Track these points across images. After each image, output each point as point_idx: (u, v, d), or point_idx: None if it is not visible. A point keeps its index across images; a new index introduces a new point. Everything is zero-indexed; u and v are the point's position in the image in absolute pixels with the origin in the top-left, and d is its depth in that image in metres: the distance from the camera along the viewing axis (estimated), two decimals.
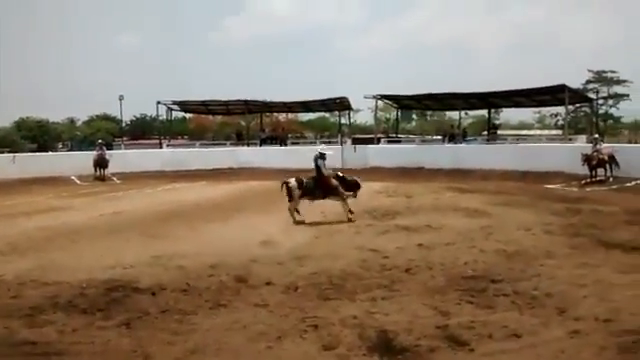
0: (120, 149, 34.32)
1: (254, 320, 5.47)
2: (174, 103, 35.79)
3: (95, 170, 25.71)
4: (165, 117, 37.57)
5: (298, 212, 11.91)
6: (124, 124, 58.81)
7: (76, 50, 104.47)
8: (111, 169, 25.94)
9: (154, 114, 40.62)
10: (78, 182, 24.39)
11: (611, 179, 18.79)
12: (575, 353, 4.56)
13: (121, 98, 37.16)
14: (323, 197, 12.24)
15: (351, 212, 11.83)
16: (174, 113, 40.38)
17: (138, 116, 70.39)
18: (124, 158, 28.63)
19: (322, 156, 12.60)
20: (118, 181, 24.69)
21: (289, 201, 12.06)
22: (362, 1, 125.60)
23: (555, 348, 4.67)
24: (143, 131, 65.22)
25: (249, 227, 10.93)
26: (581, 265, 7.41)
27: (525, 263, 7.59)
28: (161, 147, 34.32)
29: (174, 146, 36.28)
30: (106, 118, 66.45)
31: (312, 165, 12.39)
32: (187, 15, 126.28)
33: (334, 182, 12.20)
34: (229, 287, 6.66)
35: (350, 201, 12.07)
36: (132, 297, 6.32)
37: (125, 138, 51.82)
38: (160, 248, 8.93)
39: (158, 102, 34.32)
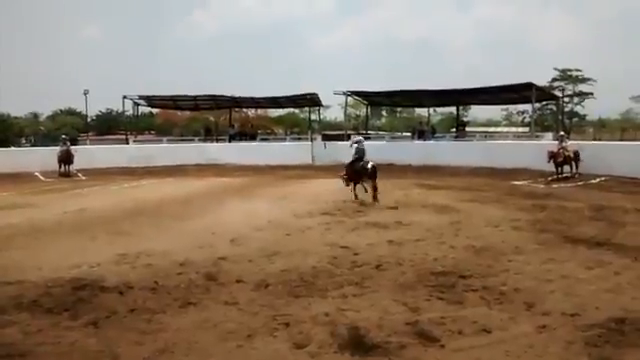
0: (85, 144, 33.67)
1: (224, 318, 5.41)
2: (140, 98, 35.24)
3: (59, 166, 25.12)
4: (132, 112, 37.01)
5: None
6: (89, 119, 57.88)
7: (39, 43, 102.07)
8: (76, 165, 25.40)
9: (120, 109, 40.02)
10: (42, 178, 23.82)
11: (576, 176, 19.18)
12: (543, 348, 4.63)
13: (86, 93, 36.62)
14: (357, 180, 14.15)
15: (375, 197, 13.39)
16: (141, 108, 39.79)
17: (104, 111, 69.41)
18: (89, 154, 28.10)
19: (361, 142, 14.62)
20: (83, 177, 24.18)
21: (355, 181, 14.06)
22: None
23: (524, 343, 4.73)
24: (109, 126, 64.32)
25: (218, 224, 10.80)
26: (548, 260, 7.53)
27: (493, 259, 7.68)
28: (127, 143, 33.80)
29: (141, 142, 35.74)
30: (71, 113, 65.38)
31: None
32: (153, 8, 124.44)
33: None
34: (198, 285, 6.58)
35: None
36: (99, 296, 6.19)
37: (90, 133, 51.11)
38: (127, 246, 8.76)
39: (124, 97, 33.76)
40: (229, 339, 4.93)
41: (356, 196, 14.03)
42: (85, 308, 5.76)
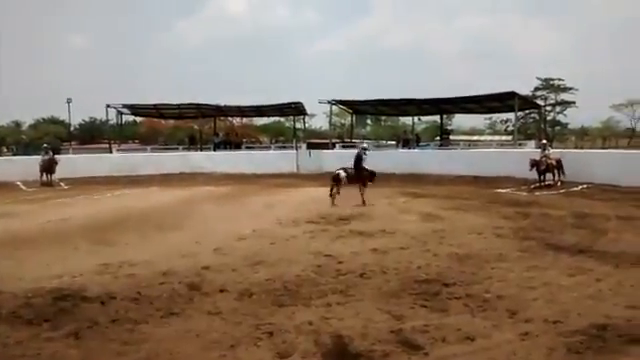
0: (68, 154, 33.36)
1: (207, 328, 5.38)
2: (124, 106, 35.01)
3: (41, 175, 24.82)
4: (115, 121, 36.76)
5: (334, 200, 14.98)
6: (72, 128, 57.42)
7: (21, 51, 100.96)
8: (59, 174, 25.10)
9: (104, 118, 39.75)
10: (23, 188, 23.53)
11: (559, 184, 19.35)
12: (526, 355, 4.66)
13: (69, 101, 36.35)
14: (356, 183, 15.46)
15: (365, 203, 14.79)
16: (125, 117, 39.54)
17: (87, 120, 68.94)
18: (72, 163, 27.77)
19: (365, 151, 16.20)
20: (66, 187, 23.90)
21: (336, 186, 15.22)
22: (317, 5, 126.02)
23: (507, 350, 4.76)
24: (92, 135, 63.87)
25: (202, 233, 10.74)
26: (531, 268, 7.59)
27: (477, 266, 7.72)
28: (111, 152, 33.53)
29: (124, 151, 35.48)
30: (53, 122, 64.87)
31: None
32: (138, 16, 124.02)
33: (366, 174, 15.60)
34: (181, 295, 6.54)
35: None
36: (81, 307, 6.13)
37: (73, 142, 50.64)
38: (110, 256, 8.68)
39: (108, 105, 33.54)
40: (212, 349, 4.90)
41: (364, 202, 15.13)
42: (66, 319, 5.69)
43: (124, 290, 6.74)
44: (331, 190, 15.38)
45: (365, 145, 17.53)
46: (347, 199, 15.11)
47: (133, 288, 6.82)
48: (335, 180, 15.47)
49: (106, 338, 5.19)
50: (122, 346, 5.00)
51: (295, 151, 31.13)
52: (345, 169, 15.74)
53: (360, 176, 15.62)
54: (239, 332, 5.26)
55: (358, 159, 15.91)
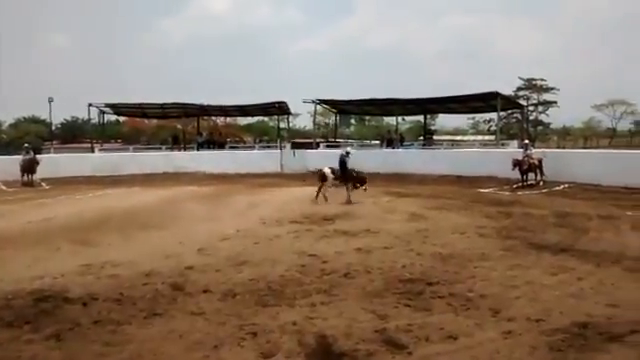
0: (50, 153, 32.98)
1: (191, 329, 5.35)
2: (107, 106, 34.68)
3: (22, 175, 24.51)
4: (97, 120, 36.41)
5: (325, 197, 15.51)
6: (54, 127, 56.75)
7: (1, 50, 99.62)
8: (40, 174, 24.75)
9: (86, 117, 39.32)
10: (3, 188, 23.20)
11: (541, 183, 19.53)
12: (509, 353, 4.70)
13: (51, 100, 35.86)
14: (344, 185, 15.95)
15: (350, 202, 15.34)
16: (107, 116, 39.20)
17: (69, 119, 68.20)
18: (54, 163, 27.46)
19: (348, 154, 16.60)
20: (47, 187, 23.62)
21: (321, 184, 15.70)
22: (300, 4, 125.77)
23: (490, 349, 4.79)
24: (74, 135, 63.11)
25: (186, 233, 10.69)
26: (513, 267, 7.66)
27: (460, 265, 7.78)
28: (93, 151, 33.20)
29: (107, 150, 35.14)
30: (34, 121, 63.95)
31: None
32: (121, 15, 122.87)
33: (353, 175, 16.07)
34: (165, 295, 6.50)
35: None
36: (62, 308, 6.08)
37: (55, 142, 50.04)
38: (92, 256, 8.61)
39: (90, 104, 33.21)
40: (196, 350, 4.87)
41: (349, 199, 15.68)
42: (47, 320, 5.64)
43: (106, 291, 6.69)
44: (319, 190, 15.79)
45: (349, 149, 17.77)
46: (332, 196, 15.17)
47: (116, 289, 6.78)
48: (322, 179, 15.84)
49: (88, 339, 5.15)
50: (104, 347, 4.96)
51: (279, 151, 31.08)
52: (332, 168, 16.12)
53: (347, 178, 16.05)
54: (223, 332, 5.24)
55: (342, 163, 16.27)
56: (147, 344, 5.01)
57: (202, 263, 8.14)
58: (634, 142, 67.73)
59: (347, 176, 16.07)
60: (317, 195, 15.72)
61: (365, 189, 15.96)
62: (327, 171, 15.96)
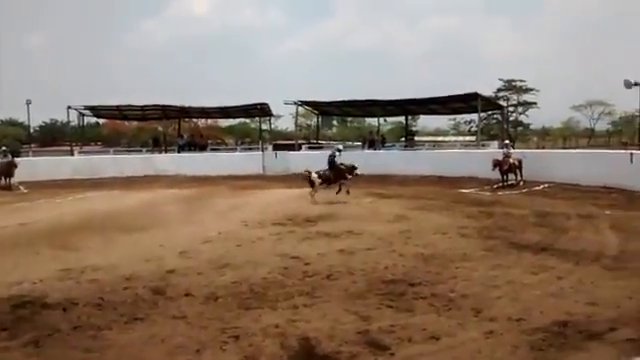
0: (28, 156, 32.54)
1: (172, 333, 5.31)
2: (86, 108, 34.29)
3: (0, 179, 24.20)
4: (77, 123, 36.02)
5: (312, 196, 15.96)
6: (32, 130, 56.07)
7: None
8: (18, 178, 24.37)
9: (65, 119, 38.90)
10: None
11: (521, 183, 19.72)
12: (490, 353, 4.72)
13: (28, 102, 35.33)
14: (335, 182, 16.56)
15: (348, 192, 16.44)
16: (87, 118, 38.77)
17: (48, 121, 67.46)
18: (32, 166, 27.12)
19: (339, 152, 17.40)
20: (25, 190, 23.27)
21: (311, 188, 16.07)
22: (282, 5, 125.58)
23: (472, 349, 4.82)
24: (53, 137, 62.45)
25: (167, 237, 10.60)
26: (494, 267, 7.71)
27: (442, 266, 7.81)
28: (72, 154, 32.81)
29: (86, 153, 34.76)
30: (12, 124, 63.11)
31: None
32: (101, 16, 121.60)
33: (344, 170, 16.70)
34: (146, 300, 6.44)
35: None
36: (41, 314, 5.99)
37: (33, 145, 49.43)
38: (71, 261, 8.51)
39: (69, 107, 32.84)
40: (177, 354, 4.84)
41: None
42: (25, 327, 5.55)
43: (87, 296, 6.62)
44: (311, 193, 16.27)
45: (340, 147, 18.84)
46: (319, 195, 15.25)
47: (96, 293, 6.71)
48: (310, 184, 16.31)
49: (67, 345, 5.08)
50: (84, 353, 4.90)
51: (261, 152, 30.99)
52: (318, 172, 16.57)
53: (338, 174, 16.75)
54: (205, 336, 5.20)
55: (331, 161, 16.93)
56: (128, 349, 4.97)
57: (183, 266, 8.08)
58: (612, 142, 68.78)
59: (336, 174, 16.66)
60: (312, 195, 16.12)
61: (356, 175, 16.92)
62: (314, 176, 16.31)
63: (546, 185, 18.80)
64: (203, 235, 10.62)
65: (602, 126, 75.29)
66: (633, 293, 6.26)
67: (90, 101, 34.30)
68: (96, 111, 36.42)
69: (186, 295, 6.59)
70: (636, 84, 23.01)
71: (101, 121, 55.06)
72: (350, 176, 16.93)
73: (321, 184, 16.28)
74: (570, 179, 18.54)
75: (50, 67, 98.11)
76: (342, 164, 17.06)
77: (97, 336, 5.30)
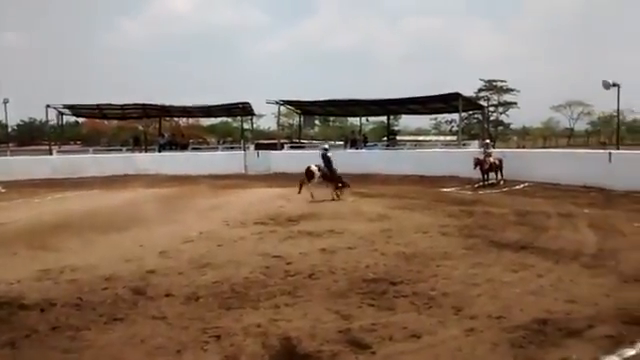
0: (5, 155, 32.09)
1: (152, 333, 5.25)
2: (65, 107, 33.95)
3: None
4: (56, 122, 35.58)
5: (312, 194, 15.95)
6: (10, 129, 55.29)
7: None
8: None
9: (44, 118, 38.40)
10: None
11: (502, 182, 19.88)
12: (471, 350, 4.75)
13: (6, 101, 34.83)
14: (331, 181, 16.47)
15: (338, 196, 16.24)
16: (66, 117, 38.36)
17: (26, 120, 66.63)
18: (10, 165, 26.79)
19: (327, 152, 17.25)
20: (3, 190, 22.91)
21: (308, 181, 15.97)
22: (263, 5, 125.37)
23: (452, 346, 4.84)
24: (32, 137, 61.71)
25: (147, 236, 10.51)
26: (475, 265, 7.75)
27: (423, 264, 7.83)
28: (51, 153, 32.40)
29: (66, 152, 34.34)
30: None
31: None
32: (79, 15, 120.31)
33: (339, 177, 16.73)
34: (125, 300, 6.38)
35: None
36: (18, 315, 5.91)
37: (11, 144, 48.74)
38: (50, 261, 8.39)
39: (48, 105, 32.47)
40: (157, 355, 4.79)
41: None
42: (2, 328, 5.47)
43: (65, 296, 6.53)
44: (300, 187, 16.24)
45: (326, 146, 18.69)
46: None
47: (75, 294, 6.63)
48: (308, 176, 16.17)
49: (45, 346, 5.01)
50: (62, 354, 4.84)
51: (243, 152, 30.90)
52: (318, 166, 16.59)
53: (334, 178, 16.67)
54: (185, 336, 5.16)
55: (328, 161, 16.86)
56: (107, 350, 4.91)
57: (164, 266, 8.01)
58: (591, 142, 69.73)
59: (333, 174, 16.69)
60: (311, 194, 16.05)
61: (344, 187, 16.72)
62: (314, 168, 16.29)
63: (526, 184, 18.99)
64: (184, 235, 10.54)
65: (581, 126, 76.57)
66: (611, 291, 6.34)
67: (70, 100, 33.99)
68: (75, 110, 36.07)
69: (166, 295, 6.53)
70: (614, 85, 23.29)
71: (80, 120, 54.61)
72: (342, 186, 16.78)
73: (319, 178, 16.29)
74: (550, 178, 18.75)
75: (29, 66, 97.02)
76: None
77: (76, 337, 5.23)
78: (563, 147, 59.08)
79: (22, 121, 66.69)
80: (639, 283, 6.67)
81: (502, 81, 67.13)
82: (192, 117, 49.36)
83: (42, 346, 5.03)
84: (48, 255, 9.00)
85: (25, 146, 55.05)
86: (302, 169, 16.68)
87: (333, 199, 15.93)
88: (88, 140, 56.49)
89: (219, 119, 56.86)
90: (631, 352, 4.61)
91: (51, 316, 5.83)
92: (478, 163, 19.97)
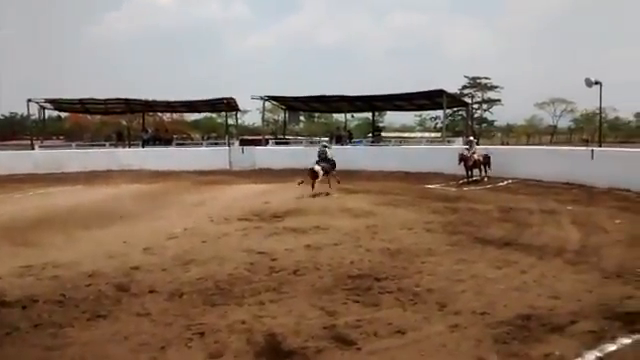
0: None
1: (136, 330, 5.22)
2: (47, 101, 33.52)
3: None
4: (38, 116, 35.15)
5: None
6: None
7: None
8: None
9: (25, 113, 37.93)
10: None
11: (486, 179, 20.01)
12: (455, 347, 4.77)
13: None
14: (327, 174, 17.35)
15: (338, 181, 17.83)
16: (49, 112, 37.91)
17: (7, 115, 65.86)
18: None
19: (326, 147, 18.31)
20: None
21: (313, 179, 16.46)
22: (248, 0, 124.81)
23: (437, 342, 4.86)
24: (13, 131, 60.97)
25: (131, 233, 10.42)
26: (459, 261, 7.79)
27: (408, 261, 7.86)
28: (33, 148, 32.02)
29: (48, 147, 33.94)
30: None
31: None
32: (64, 9, 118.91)
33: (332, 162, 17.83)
34: (109, 296, 6.33)
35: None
36: None
37: None
38: (32, 257, 8.29)
39: (29, 100, 32.07)
40: (141, 351, 4.76)
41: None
42: None
43: (47, 293, 6.47)
44: (312, 185, 16.64)
45: (325, 143, 20.15)
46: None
47: (57, 290, 6.56)
48: (313, 177, 16.57)
49: (27, 344, 4.96)
50: (45, 352, 4.79)
51: (228, 147, 30.76)
52: (320, 165, 17.13)
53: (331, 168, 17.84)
54: (169, 333, 5.13)
55: (322, 152, 17.78)
56: (90, 347, 4.87)
57: (148, 263, 7.96)
58: (573, 139, 70.46)
59: (331, 166, 17.65)
60: (313, 187, 16.54)
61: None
62: (317, 168, 16.71)
63: (510, 181, 19.13)
64: (168, 231, 10.48)
65: (564, 123, 77.28)
66: (593, 287, 6.41)
67: (52, 95, 33.58)
68: (58, 104, 35.67)
69: (150, 292, 6.49)
70: (596, 82, 23.49)
71: (63, 115, 54.08)
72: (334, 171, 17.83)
73: (323, 175, 16.94)
74: (533, 175, 18.94)
75: (10, 61, 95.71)
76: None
77: (58, 334, 5.19)
78: (546, 144, 59.61)
79: (2, 115, 65.90)
80: (620, 279, 6.74)
81: (486, 78, 67.67)
82: (176, 112, 49.08)
83: (24, 344, 4.97)
84: (30, 251, 8.89)
85: (6, 141, 54.38)
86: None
87: (328, 194, 16.47)
88: (71, 135, 55.88)
89: (203, 114, 56.63)
90: (612, 347, 4.67)
91: (33, 313, 5.77)
92: (462, 159, 20.08)
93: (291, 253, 8.43)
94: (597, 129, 46.37)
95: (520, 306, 5.70)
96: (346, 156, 26.69)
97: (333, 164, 17.92)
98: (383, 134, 41.81)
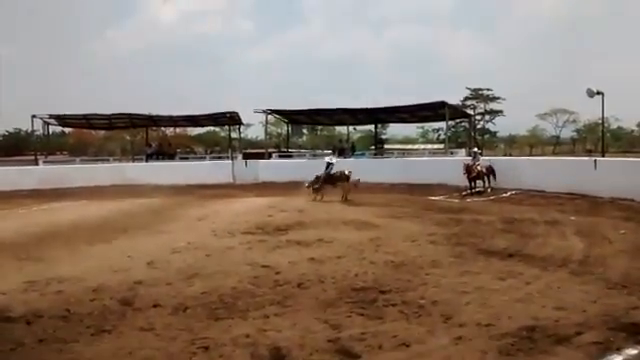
0: None
1: (140, 345, 5.21)
2: (51, 117, 33.71)
3: None
4: (42, 132, 35.33)
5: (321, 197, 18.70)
6: None
7: None
8: None
9: (30, 129, 38.08)
10: None
11: (489, 190, 19.99)
12: (460, 359, 4.75)
13: None
14: (333, 185, 19.28)
15: (346, 198, 18.62)
16: (53, 128, 38.08)
17: (11, 131, 66.14)
18: None
19: (330, 164, 19.98)
20: None
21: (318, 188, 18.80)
22: (250, 14, 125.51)
23: (441, 355, 4.84)
24: (18, 147, 61.16)
25: (135, 247, 10.43)
26: (463, 273, 7.77)
27: (412, 273, 7.84)
28: (37, 164, 32.12)
29: (52, 162, 34.02)
30: None
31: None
32: (66, 26, 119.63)
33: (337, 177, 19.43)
34: (113, 311, 6.32)
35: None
36: (4, 328, 5.81)
37: None
38: (36, 272, 8.29)
39: (34, 116, 32.26)
40: None
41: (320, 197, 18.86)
42: None
43: (52, 308, 6.46)
44: (321, 195, 18.47)
45: (330, 158, 21.66)
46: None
47: (62, 305, 6.55)
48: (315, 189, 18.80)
49: (32, 359, 4.95)
50: None
51: (231, 161, 30.82)
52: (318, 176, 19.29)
53: (335, 180, 19.41)
54: (174, 347, 5.12)
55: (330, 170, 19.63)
56: None
57: (152, 277, 7.95)
58: (576, 149, 70.38)
59: (333, 180, 19.39)
60: (318, 193, 18.42)
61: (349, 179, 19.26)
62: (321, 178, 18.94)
63: (513, 192, 19.12)
64: (172, 245, 10.48)
65: (567, 134, 77.16)
66: (598, 297, 6.38)
67: (56, 111, 33.76)
68: (62, 120, 35.87)
69: (154, 306, 6.48)
70: (598, 93, 23.50)
71: (67, 130, 54.28)
72: (346, 182, 19.02)
73: (323, 184, 18.64)
74: (536, 186, 18.91)
75: (15, 77, 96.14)
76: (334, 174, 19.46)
77: (63, 349, 5.17)
78: (549, 155, 59.58)
79: (7, 132, 66.15)
80: (625, 289, 6.71)
81: (488, 89, 67.75)
82: (179, 127, 49.23)
83: (29, 359, 4.96)
84: (34, 266, 8.91)
85: (11, 157, 54.57)
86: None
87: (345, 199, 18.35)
88: (75, 150, 56.08)
89: (206, 129, 56.76)
90: (618, 358, 4.65)
91: (38, 328, 5.76)
92: (468, 170, 20.11)
93: (295, 266, 8.42)
94: (600, 139, 46.35)
95: (525, 317, 5.68)
96: (349, 168, 26.79)
97: (342, 176, 19.17)
98: (386, 146, 41.90)
